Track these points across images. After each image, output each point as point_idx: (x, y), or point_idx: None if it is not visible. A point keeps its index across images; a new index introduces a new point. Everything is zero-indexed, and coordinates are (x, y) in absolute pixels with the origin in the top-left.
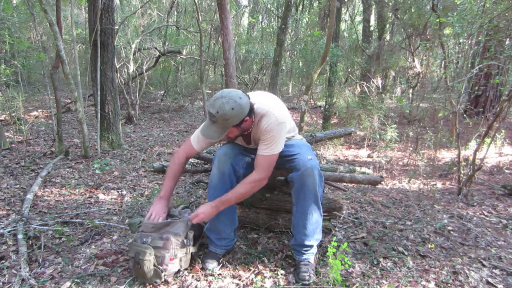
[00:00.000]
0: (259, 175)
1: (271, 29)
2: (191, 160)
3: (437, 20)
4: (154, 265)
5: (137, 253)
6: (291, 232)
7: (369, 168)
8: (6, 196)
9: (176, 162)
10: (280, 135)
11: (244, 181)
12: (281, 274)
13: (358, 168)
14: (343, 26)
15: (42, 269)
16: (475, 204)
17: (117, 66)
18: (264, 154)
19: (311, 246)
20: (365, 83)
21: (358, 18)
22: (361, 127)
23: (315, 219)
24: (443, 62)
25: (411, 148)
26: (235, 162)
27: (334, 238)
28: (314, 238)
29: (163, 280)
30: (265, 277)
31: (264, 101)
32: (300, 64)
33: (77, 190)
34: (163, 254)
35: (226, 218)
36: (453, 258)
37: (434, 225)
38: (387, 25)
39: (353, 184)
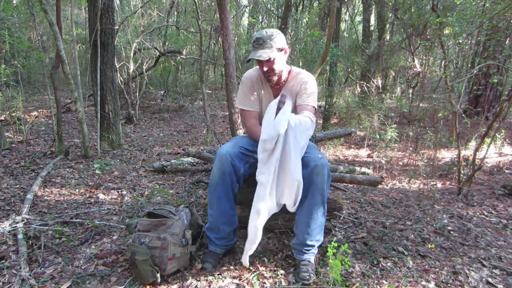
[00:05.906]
0: (313, 118)
1: None
2: (190, 160)
3: (437, 20)
4: (150, 265)
5: (133, 253)
6: (293, 230)
7: (369, 168)
8: (6, 196)
9: (254, 123)
10: (316, 92)
11: (309, 115)
12: (281, 274)
13: (358, 168)
14: (343, 26)
15: (42, 269)
16: (475, 204)
17: (117, 66)
18: (311, 105)
19: (313, 246)
20: (365, 83)
21: (358, 18)
22: (361, 127)
23: (319, 219)
24: (443, 62)
25: (411, 148)
26: (235, 161)
27: (334, 238)
28: (316, 238)
29: (159, 280)
30: (265, 277)
31: None
32: (300, 64)
33: (77, 190)
34: (161, 254)
35: (226, 219)
36: (453, 258)
37: (434, 225)
38: (387, 25)
39: (353, 184)
